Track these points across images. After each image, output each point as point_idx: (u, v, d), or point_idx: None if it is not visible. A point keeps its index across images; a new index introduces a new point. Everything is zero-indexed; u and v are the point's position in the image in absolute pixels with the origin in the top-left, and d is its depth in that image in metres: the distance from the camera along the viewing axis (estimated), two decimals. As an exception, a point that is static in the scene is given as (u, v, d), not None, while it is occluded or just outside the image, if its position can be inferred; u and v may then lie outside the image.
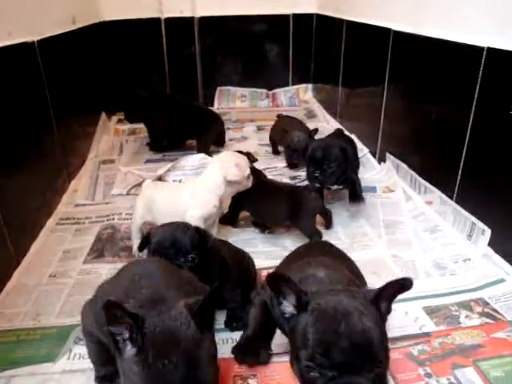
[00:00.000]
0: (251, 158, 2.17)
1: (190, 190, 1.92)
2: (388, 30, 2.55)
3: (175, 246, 1.39)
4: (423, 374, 0.98)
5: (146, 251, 1.49)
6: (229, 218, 2.17)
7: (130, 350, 0.82)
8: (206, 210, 1.86)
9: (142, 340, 0.80)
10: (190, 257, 1.39)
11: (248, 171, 1.92)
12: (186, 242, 1.40)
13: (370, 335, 0.86)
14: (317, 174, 2.05)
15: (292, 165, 2.86)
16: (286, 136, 2.86)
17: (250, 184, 1.96)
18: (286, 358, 1.06)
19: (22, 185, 2.01)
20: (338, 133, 2.66)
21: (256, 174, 2.08)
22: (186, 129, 3.14)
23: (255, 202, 2.08)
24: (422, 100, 2.29)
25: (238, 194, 2.02)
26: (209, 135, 3.10)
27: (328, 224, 2.14)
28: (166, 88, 4.11)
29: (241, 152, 2.11)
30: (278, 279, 0.95)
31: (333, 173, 2.06)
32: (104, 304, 0.81)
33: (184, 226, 1.46)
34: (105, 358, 1.09)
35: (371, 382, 0.85)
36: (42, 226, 2.17)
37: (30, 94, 2.25)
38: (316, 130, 2.55)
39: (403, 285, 0.91)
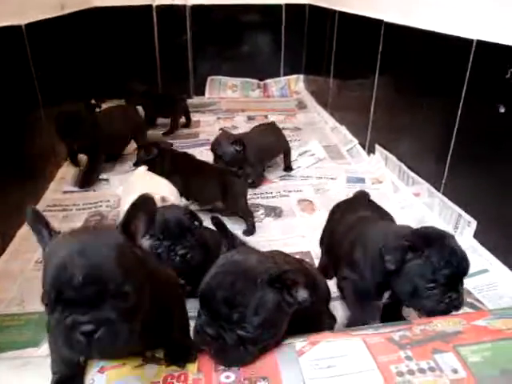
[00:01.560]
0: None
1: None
2: (380, 21, 2.55)
3: (180, 225, 1.41)
4: (404, 357, 0.99)
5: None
6: None
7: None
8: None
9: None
10: (192, 237, 1.43)
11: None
12: (188, 223, 1.44)
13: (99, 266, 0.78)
14: None
15: None
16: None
17: None
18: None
19: (8, 171, 1.99)
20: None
21: (187, 156, 2.28)
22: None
23: (187, 182, 2.13)
24: (412, 92, 2.29)
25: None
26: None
27: None
28: (157, 76, 4.09)
29: None
30: None
31: None
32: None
33: (178, 208, 1.50)
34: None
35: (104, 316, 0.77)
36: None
37: (17, 79, 2.22)
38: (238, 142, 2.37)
39: None
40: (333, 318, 1.34)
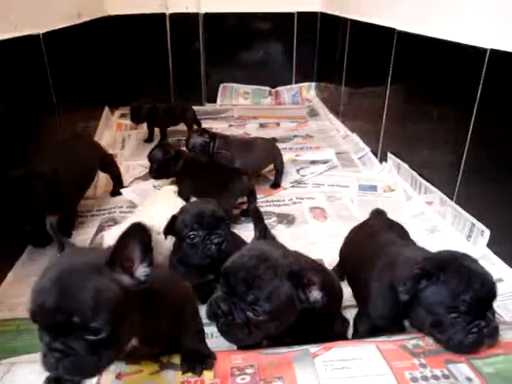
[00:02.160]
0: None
1: None
2: (392, 29, 2.56)
3: (214, 215, 1.47)
4: (418, 364, 1.00)
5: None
6: None
7: None
8: None
9: None
10: (226, 228, 1.49)
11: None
12: (221, 214, 1.50)
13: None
14: None
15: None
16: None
17: None
18: (284, 350, 1.10)
19: (25, 176, 2.02)
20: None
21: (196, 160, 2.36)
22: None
23: (196, 183, 2.23)
24: (424, 100, 2.29)
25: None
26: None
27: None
28: (170, 84, 4.13)
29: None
30: None
31: None
32: None
33: (210, 202, 1.56)
34: None
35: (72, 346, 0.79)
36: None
37: (35, 86, 2.26)
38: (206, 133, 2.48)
39: None
40: (346, 321, 1.35)
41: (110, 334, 0.80)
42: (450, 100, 2.07)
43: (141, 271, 0.87)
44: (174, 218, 1.50)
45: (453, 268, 1.10)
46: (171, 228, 1.50)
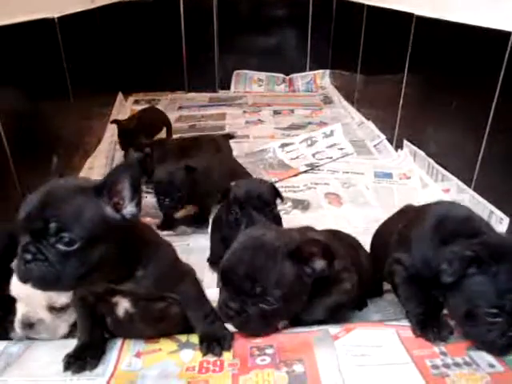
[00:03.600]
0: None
1: None
2: (410, 14, 2.51)
3: (261, 198, 1.50)
4: (438, 352, 0.98)
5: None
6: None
7: None
8: None
9: None
10: (272, 207, 1.53)
11: None
12: (268, 194, 1.53)
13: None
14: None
15: None
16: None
17: None
18: (301, 329, 1.09)
19: (39, 161, 2.03)
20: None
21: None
22: None
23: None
24: (443, 87, 2.26)
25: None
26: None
27: None
28: (184, 70, 4.11)
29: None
30: None
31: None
32: None
33: (262, 181, 1.64)
34: (90, 324, 1.05)
35: None
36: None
37: (49, 70, 2.26)
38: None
39: None
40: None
41: (80, 249, 0.83)
42: (469, 86, 2.03)
43: (128, 210, 0.89)
44: (227, 190, 1.55)
45: (509, 261, 0.97)
46: (225, 196, 1.56)
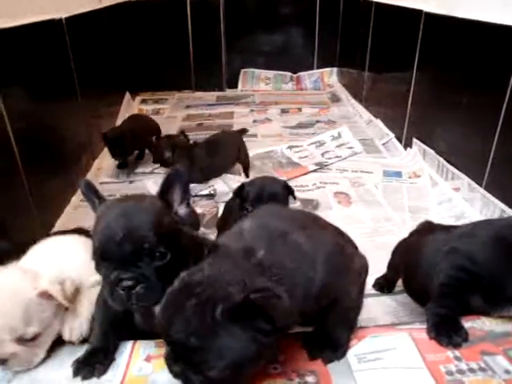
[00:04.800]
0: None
1: None
2: (419, 11, 2.49)
3: (272, 198, 1.49)
4: (452, 357, 0.97)
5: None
6: None
7: None
8: None
9: None
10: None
11: None
12: (281, 197, 1.52)
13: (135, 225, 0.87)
14: None
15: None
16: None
17: None
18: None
19: (47, 162, 2.03)
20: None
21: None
22: None
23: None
24: (453, 85, 2.23)
25: None
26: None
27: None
28: (191, 69, 4.10)
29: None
30: None
31: None
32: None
33: (277, 180, 1.62)
34: (107, 329, 1.03)
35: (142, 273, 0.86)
36: (66, 203, 2.20)
37: (57, 71, 2.26)
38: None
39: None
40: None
41: (172, 257, 0.89)
42: (480, 84, 2.01)
43: (181, 211, 0.97)
44: (242, 186, 1.56)
45: None
46: (238, 193, 1.56)
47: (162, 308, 0.81)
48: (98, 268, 0.91)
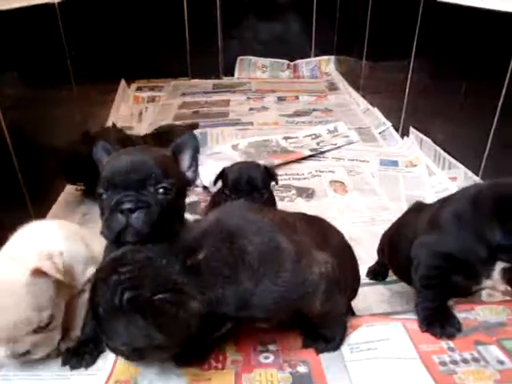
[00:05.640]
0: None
1: None
2: (418, -2, 2.46)
3: (251, 183, 1.47)
4: (446, 348, 0.96)
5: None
6: None
7: None
8: None
9: None
10: (261, 192, 1.49)
11: None
12: (259, 182, 1.49)
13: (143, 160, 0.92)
14: None
15: None
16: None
17: None
18: None
19: (41, 149, 2.01)
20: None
21: None
22: None
23: None
24: (451, 73, 2.21)
25: None
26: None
27: None
28: (187, 56, 4.06)
29: None
30: None
31: None
32: None
33: (256, 165, 1.57)
34: None
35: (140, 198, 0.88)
36: (61, 190, 2.18)
37: (51, 56, 2.23)
38: None
39: None
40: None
41: (174, 198, 0.92)
42: (478, 72, 1.98)
43: (189, 173, 1.02)
44: (223, 170, 1.55)
45: None
46: (220, 177, 1.56)
47: (98, 269, 0.88)
48: (101, 198, 0.92)
